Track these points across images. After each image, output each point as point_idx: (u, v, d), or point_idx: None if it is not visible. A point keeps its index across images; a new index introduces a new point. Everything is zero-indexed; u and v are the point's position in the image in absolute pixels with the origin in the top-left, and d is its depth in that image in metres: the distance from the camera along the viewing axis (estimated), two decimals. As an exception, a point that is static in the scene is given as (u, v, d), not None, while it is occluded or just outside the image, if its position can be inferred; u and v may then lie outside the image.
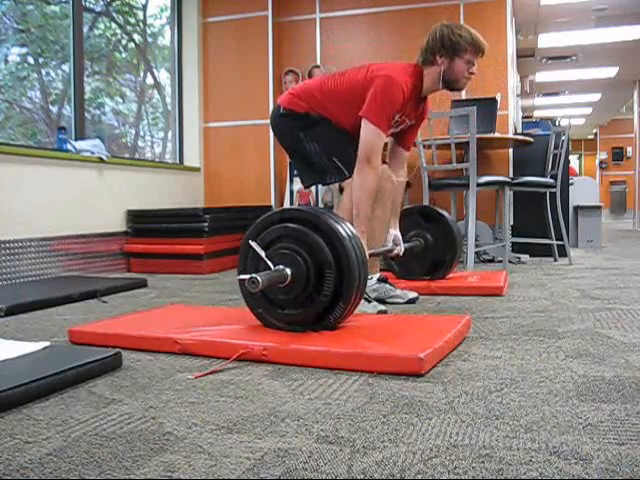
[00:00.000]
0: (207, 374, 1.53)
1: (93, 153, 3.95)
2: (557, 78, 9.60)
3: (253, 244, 1.83)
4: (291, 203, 5.02)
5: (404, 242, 2.75)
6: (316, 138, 2.48)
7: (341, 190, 2.73)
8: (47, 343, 1.70)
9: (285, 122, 2.54)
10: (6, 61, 3.99)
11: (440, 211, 3.07)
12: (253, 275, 1.70)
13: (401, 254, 2.69)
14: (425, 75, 2.48)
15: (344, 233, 1.79)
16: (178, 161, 5.25)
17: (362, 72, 2.42)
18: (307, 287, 1.78)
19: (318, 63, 4.93)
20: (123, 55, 5.21)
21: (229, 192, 5.11)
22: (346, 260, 1.76)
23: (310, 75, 4.64)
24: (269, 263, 1.79)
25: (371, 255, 2.45)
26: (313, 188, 4.95)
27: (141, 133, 5.44)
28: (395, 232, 2.70)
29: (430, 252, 2.99)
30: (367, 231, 2.39)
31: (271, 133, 4.98)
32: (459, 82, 2.51)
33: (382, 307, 2.36)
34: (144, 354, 1.76)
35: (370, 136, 2.35)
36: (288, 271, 1.76)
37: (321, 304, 1.79)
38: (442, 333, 1.73)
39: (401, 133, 2.61)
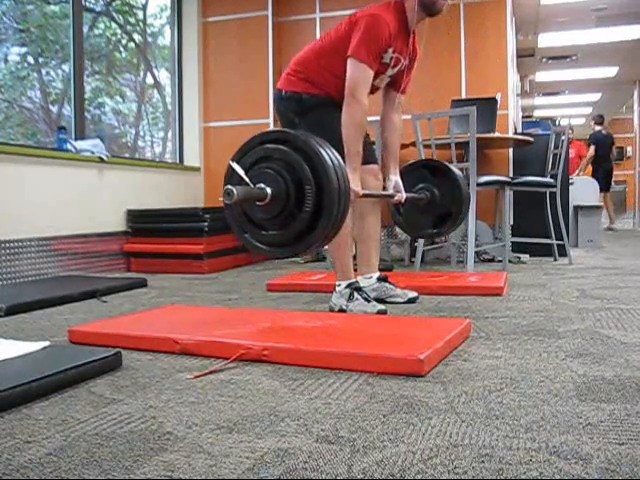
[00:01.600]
0: (206, 374, 1.53)
1: (93, 153, 3.95)
2: (557, 78, 9.61)
3: (234, 165, 1.82)
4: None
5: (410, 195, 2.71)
6: (308, 126, 2.46)
7: None
8: (47, 343, 1.70)
9: (283, 105, 2.53)
10: (6, 61, 3.99)
11: (446, 164, 3.01)
12: (228, 186, 1.68)
13: (403, 200, 2.65)
14: (406, 6, 2.47)
15: (325, 154, 1.78)
16: (178, 161, 5.25)
17: (346, 20, 2.43)
18: (287, 205, 1.77)
19: None
20: (123, 55, 5.22)
21: (229, 192, 5.10)
22: (326, 178, 1.74)
23: None
24: (249, 182, 1.79)
25: (367, 196, 2.44)
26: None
27: (141, 133, 5.44)
28: (395, 178, 2.65)
29: (436, 205, 2.91)
30: (359, 169, 2.37)
31: (271, 133, 4.99)
32: (436, 4, 2.47)
33: (382, 307, 2.36)
34: (144, 354, 1.76)
35: (355, 71, 2.34)
36: (268, 190, 1.75)
37: (302, 222, 1.77)
38: (442, 334, 1.73)
39: (397, 76, 2.58)
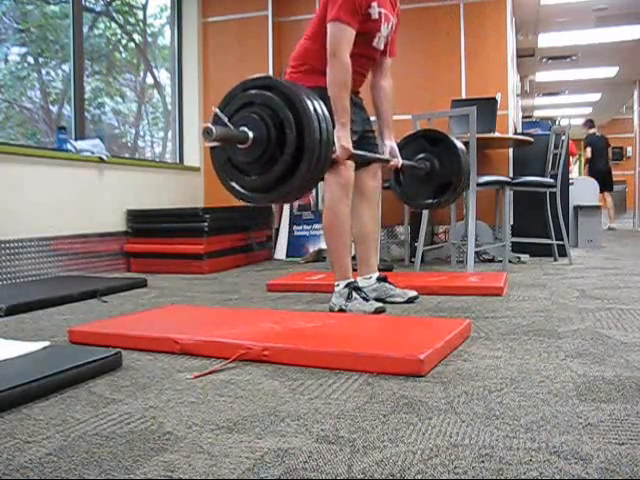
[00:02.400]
0: (206, 374, 1.53)
1: (93, 153, 3.95)
2: (557, 78, 9.61)
3: (216, 110, 1.82)
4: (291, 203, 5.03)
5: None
6: None
7: None
8: (47, 343, 1.70)
9: None
10: (6, 61, 3.99)
11: (445, 133, 2.99)
12: (208, 125, 1.68)
13: (399, 166, 2.66)
14: None
15: (308, 101, 1.79)
16: (178, 161, 5.25)
17: None
18: (269, 147, 1.78)
19: None
20: (123, 55, 5.22)
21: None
22: (307, 124, 1.75)
23: None
24: (230, 126, 1.80)
25: (360, 156, 2.42)
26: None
27: (141, 133, 5.44)
28: (390, 143, 2.66)
29: (436, 175, 2.90)
30: (348, 124, 2.37)
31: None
32: None
33: (380, 305, 2.36)
34: (144, 354, 1.76)
35: (334, 32, 2.34)
36: (250, 133, 1.76)
37: (283, 164, 1.78)
38: (442, 334, 1.73)
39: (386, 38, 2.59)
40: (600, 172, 8.46)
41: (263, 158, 1.79)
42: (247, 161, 1.82)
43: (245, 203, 2.00)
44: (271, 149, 1.78)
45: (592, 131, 8.86)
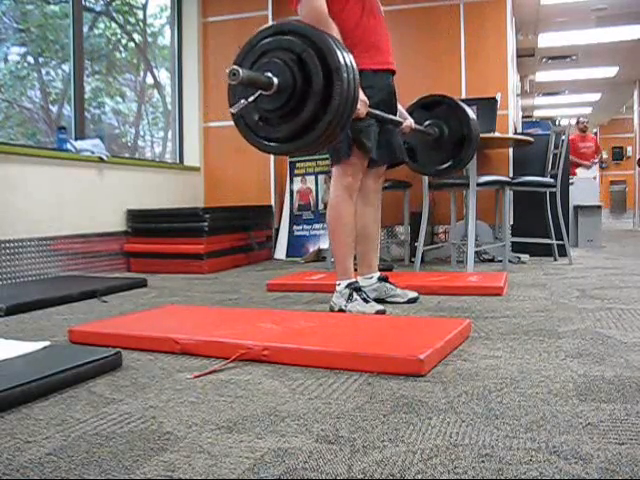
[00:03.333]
0: (207, 374, 1.53)
1: (93, 153, 3.95)
2: (557, 78, 9.61)
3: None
4: (291, 203, 5.03)
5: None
6: None
7: None
8: (47, 343, 1.70)
9: None
10: (6, 60, 3.99)
11: (439, 94, 3.00)
12: (234, 67, 1.66)
13: (413, 127, 2.68)
14: None
15: (329, 38, 1.79)
16: (178, 161, 5.24)
17: None
18: (295, 89, 1.76)
19: None
20: (123, 55, 5.22)
21: (229, 192, 5.11)
22: (330, 56, 1.75)
23: None
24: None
25: (374, 115, 2.37)
26: (313, 188, 4.96)
27: (141, 133, 5.44)
28: (398, 107, 2.66)
29: (446, 136, 2.90)
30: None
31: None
32: None
33: (380, 307, 2.35)
34: (144, 354, 1.76)
35: (304, 8, 2.19)
36: (275, 79, 1.75)
37: (315, 98, 1.76)
38: (442, 334, 1.73)
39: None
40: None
41: (290, 103, 1.77)
42: (273, 108, 1.80)
43: (274, 154, 1.98)
44: (297, 91, 1.75)
45: None
